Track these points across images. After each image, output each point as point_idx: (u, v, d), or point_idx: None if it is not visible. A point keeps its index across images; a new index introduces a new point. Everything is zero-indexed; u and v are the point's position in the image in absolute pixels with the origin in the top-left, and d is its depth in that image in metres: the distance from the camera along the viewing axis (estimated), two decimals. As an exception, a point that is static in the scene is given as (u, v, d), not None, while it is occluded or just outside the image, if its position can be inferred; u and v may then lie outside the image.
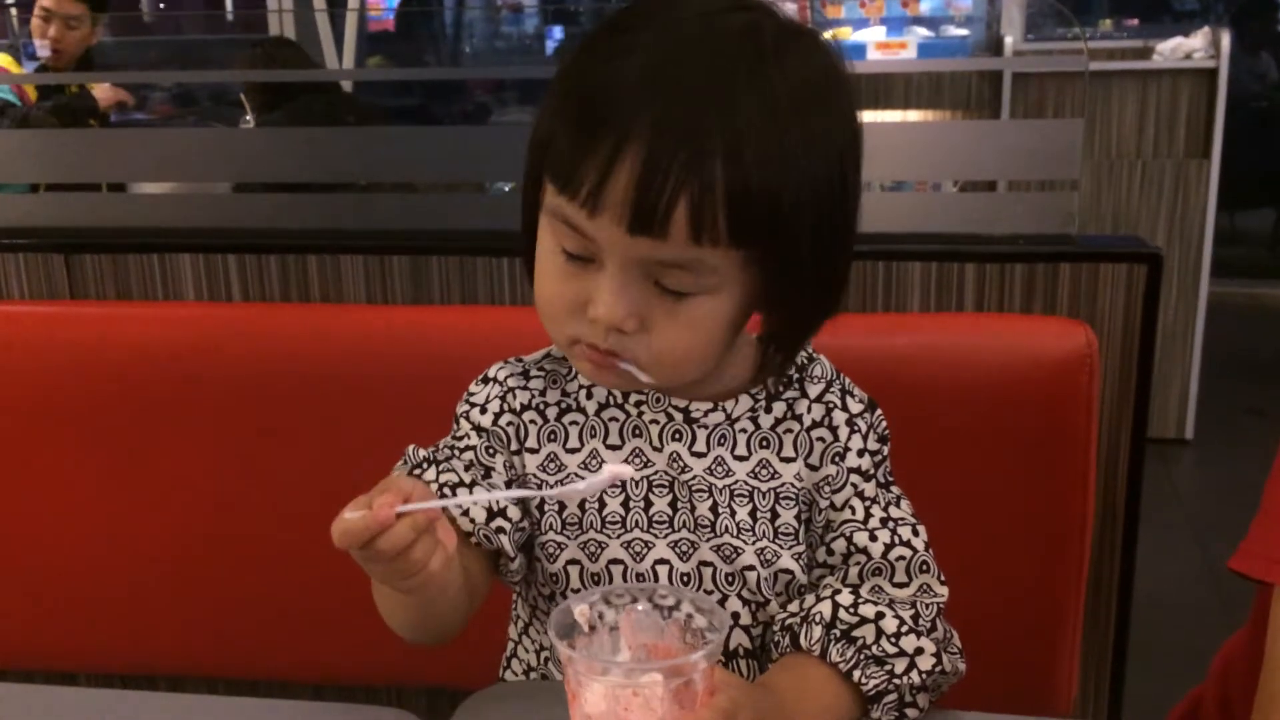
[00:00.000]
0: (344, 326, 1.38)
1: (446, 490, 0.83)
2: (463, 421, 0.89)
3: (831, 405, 0.87)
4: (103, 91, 3.52)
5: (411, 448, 0.88)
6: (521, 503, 0.86)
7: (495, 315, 1.39)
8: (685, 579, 0.84)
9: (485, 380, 0.91)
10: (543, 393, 0.89)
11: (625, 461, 0.86)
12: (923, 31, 4.54)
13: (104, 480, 1.42)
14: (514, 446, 0.88)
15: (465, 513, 0.83)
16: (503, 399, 0.89)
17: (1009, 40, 3.90)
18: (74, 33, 3.46)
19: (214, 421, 1.38)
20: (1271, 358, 4.45)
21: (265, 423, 1.37)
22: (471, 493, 0.84)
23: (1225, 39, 3.41)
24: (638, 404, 0.86)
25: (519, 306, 1.40)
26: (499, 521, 0.84)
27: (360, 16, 4.20)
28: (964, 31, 4.56)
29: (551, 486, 0.85)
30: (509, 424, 0.88)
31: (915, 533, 0.86)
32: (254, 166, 1.66)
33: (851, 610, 0.81)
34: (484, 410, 0.88)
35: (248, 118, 3.67)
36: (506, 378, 0.90)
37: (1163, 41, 3.64)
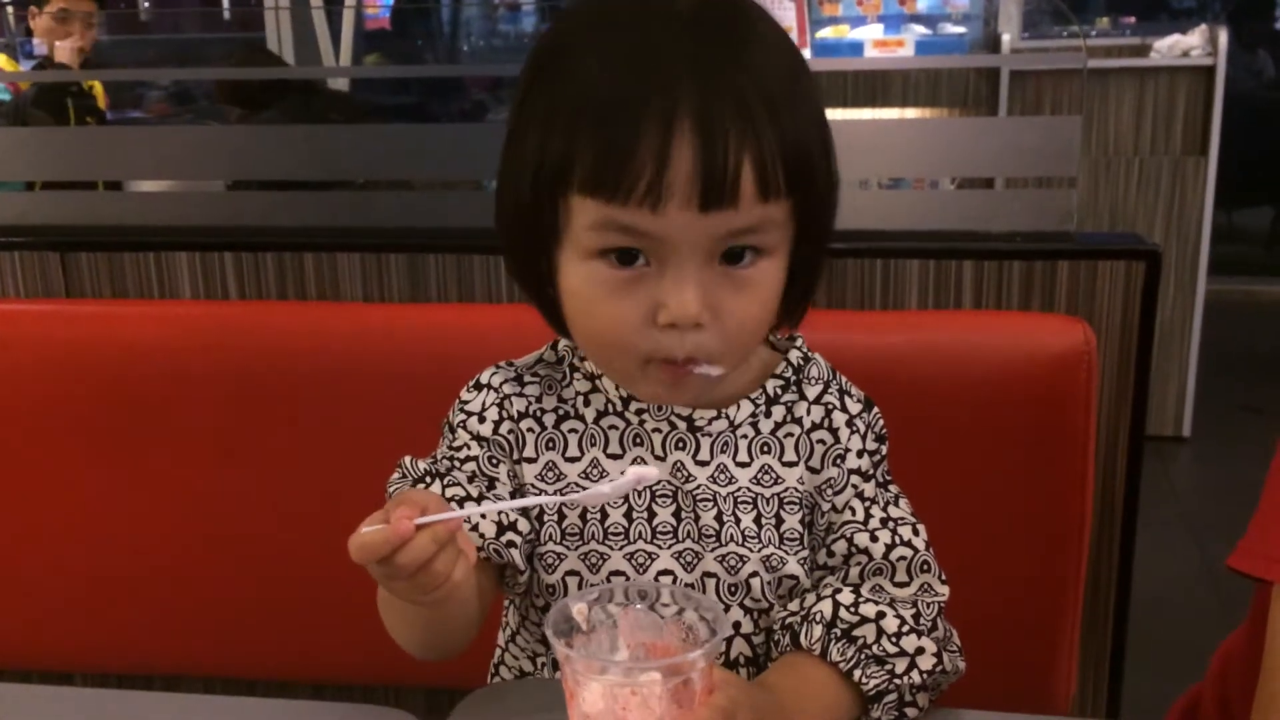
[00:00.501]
0: (341, 325, 1.38)
1: (454, 505, 0.81)
2: (460, 431, 0.86)
3: (831, 406, 0.87)
4: (66, 53, 3.46)
5: (408, 460, 0.85)
6: (527, 514, 0.84)
7: (493, 313, 1.38)
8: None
9: (478, 387, 0.88)
10: (539, 399, 0.86)
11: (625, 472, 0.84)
12: (920, 29, 4.54)
13: (100, 479, 1.41)
14: (514, 456, 0.85)
15: (474, 527, 0.81)
16: (500, 406, 0.86)
17: (1006, 38, 3.90)
18: (90, 31, 3.50)
19: (210, 420, 1.38)
20: (1268, 355, 4.45)
21: (262, 421, 1.37)
22: (479, 505, 0.81)
23: (1223, 36, 3.40)
24: (638, 412, 0.85)
25: (516, 304, 1.39)
26: (509, 535, 0.82)
27: (357, 14, 4.19)
28: (961, 29, 4.56)
29: (551, 496, 0.84)
30: (509, 432, 0.85)
31: (915, 532, 0.86)
32: (250, 164, 1.65)
33: (852, 609, 0.80)
34: (482, 419, 0.86)
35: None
36: (501, 384, 0.87)
37: (1160, 39, 3.64)
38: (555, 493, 0.84)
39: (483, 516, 0.81)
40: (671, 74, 0.71)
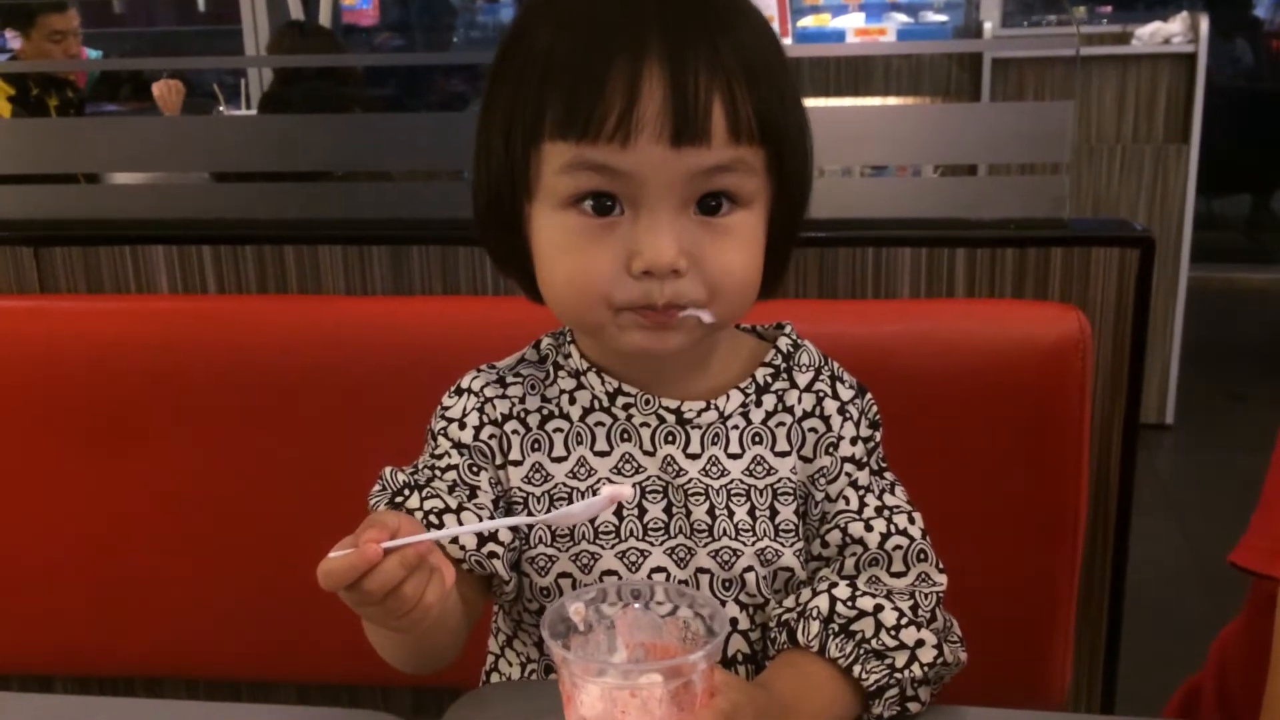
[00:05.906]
0: (323, 318, 1.35)
1: (433, 518, 0.80)
2: (441, 439, 0.85)
3: (822, 394, 0.85)
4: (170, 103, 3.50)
5: (389, 470, 0.84)
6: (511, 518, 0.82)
7: (478, 305, 1.36)
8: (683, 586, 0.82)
9: (459, 392, 0.86)
10: (522, 400, 0.84)
11: (615, 468, 0.82)
12: (901, 18, 4.54)
13: (77, 477, 1.39)
14: (498, 460, 0.84)
15: (454, 539, 0.80)
16: (481, 410, 0.84)
17: (988, 26, 3.90)
18: (78, 39, 3.51)
19: (189, 417, 1.35)
20: (1250, 342, 4.48)
21: (242, 418, 1.34)
22: (459, 517, 0.80)
23: (1204, 24, 3.41)
24: (626, 407, 0.83)
25: (502, 296, 1.37)
26: (491, 546, 0.80)
27: (335, 2, 4.15)
28: (943, 17, 4.56)
29: (538, 499, 0.82)
30: (490, 437, 0.84)
31: (911, 520, 0.84)
32: (229, 156, 1.63)
33: (849, 604, 0.79)
34: (462, 425, 0.84)
35: (221, 107, 3.61)
36: (482, 387, 0.85)
37: (1141, 26, 3.65)
38: (543, 494, 0.82)
39: (465, 533, 0.80)
40: (639, 21, 0.71)
